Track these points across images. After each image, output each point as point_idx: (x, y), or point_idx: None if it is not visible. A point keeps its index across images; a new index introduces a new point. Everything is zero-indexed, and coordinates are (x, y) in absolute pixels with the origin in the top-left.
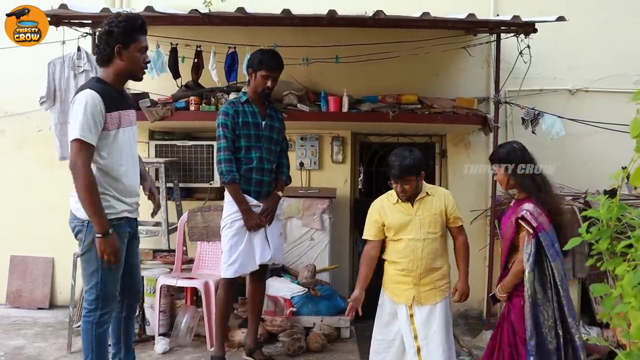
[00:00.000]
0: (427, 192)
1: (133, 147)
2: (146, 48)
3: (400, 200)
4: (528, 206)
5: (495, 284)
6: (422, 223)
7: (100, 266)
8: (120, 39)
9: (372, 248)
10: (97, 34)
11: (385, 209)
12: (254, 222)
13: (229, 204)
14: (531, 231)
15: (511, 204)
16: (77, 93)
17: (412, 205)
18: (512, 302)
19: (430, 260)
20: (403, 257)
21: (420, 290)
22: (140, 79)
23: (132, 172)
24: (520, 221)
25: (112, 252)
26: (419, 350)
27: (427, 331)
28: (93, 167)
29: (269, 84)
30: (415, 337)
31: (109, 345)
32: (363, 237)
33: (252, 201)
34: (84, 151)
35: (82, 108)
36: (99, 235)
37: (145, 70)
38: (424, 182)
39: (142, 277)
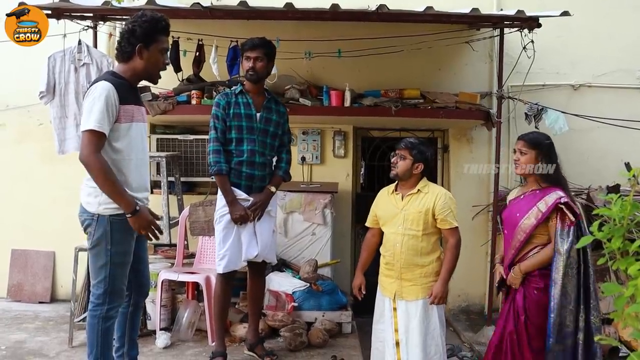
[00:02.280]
0: (418, 189)
1: (144, 142)
2: (167, 50)
3: (395, 191)
4: (562, 194)
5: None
6: (405, 218)
7: (109, 260)
8: (142, 38)
9: (372, 235)
10: (119, 30)
11: (381, 199)
12: (238, 214)
13: (220, 198)
14: (572, 218)
15: (522, 192)
16: (91, 85)
17: (402, 199)
18: (527, 289)
19: (411, 256)
20: (386, 250)
21: (402, 285)
22: (155, 82)
23: (143, 167)
24: (562, 207)
25: (147, 226)
26: (397, 343)
27: (407, 326)
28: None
29: (250, 64)
30: (396, 330)
31: (113, 339)
32: (366, 224)
33: (241, 195)
34: (96, 140)
35: (96, 98)
36: (129, 215)
37: (162, 73)
38: (424, 180)
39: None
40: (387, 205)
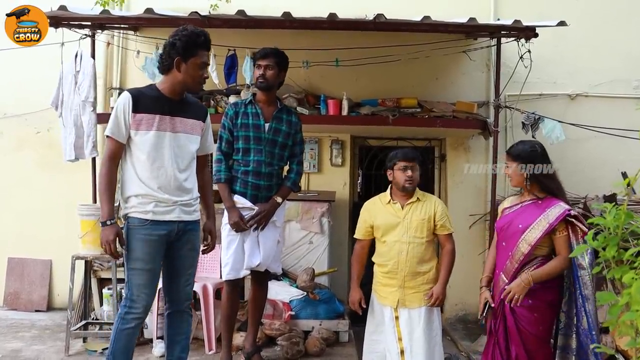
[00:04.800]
0: (417, 198)
1: (175, 152)
2: (205, 64)
3: (392, 201)
4: (566, 205)
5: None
6: (409, 227)
7: (127, 264)
8: (180, 52)
9: (362, 247)
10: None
11: (375, 209)
12: (232, 221)
13: None
14: (585, 229)
15: (520, 201)
16: None
17: (402, 208)
18: (536, 299)
19: (415, 264)
20: (389, 259)
21: (405, 293)
22: (196, 92)
23: (167, 176)
24: (572, 219)
25: (104, 242)
26: (402, 352)
27: (411, 334)
28: (127, 165)
29: (261, 71)
30: (400, 339)
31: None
32: (354, 236)
33: (246, 204)
34: (108, 145)
35: (115, 107)
36: (100, 223)
37: (203, 85)
38: (417, 188)
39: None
40: (385, 215)
